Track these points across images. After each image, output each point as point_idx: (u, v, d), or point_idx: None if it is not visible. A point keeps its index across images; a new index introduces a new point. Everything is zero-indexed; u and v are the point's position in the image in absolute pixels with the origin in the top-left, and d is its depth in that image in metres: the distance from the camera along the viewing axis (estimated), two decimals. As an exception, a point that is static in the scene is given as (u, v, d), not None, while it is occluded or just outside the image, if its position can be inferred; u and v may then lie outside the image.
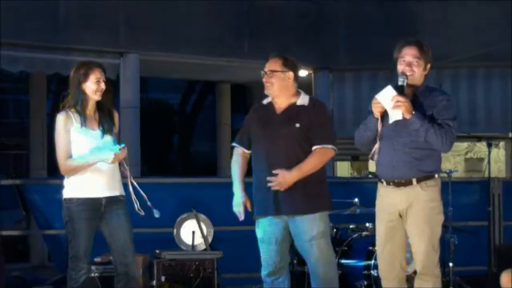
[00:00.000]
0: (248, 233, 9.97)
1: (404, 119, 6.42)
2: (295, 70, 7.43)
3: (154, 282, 9.21)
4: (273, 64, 7.38)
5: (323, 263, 7.31)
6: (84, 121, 6.97)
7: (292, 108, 7.34)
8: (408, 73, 6.51)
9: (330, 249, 7.46)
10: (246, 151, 7.54)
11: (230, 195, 10.42)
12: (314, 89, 15.76)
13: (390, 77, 6.72)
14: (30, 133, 19.91)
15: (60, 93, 7.86)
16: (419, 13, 17.25)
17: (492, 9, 17.42)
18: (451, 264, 9.02)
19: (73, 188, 7.00)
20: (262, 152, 7.36)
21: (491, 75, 17.61)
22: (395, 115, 6.47)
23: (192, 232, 9.57)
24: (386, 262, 6.74)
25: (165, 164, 31.55)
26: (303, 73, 17.04)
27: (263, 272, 7.44)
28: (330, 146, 7.19)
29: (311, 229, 7.22)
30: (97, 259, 8.98)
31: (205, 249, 9.52)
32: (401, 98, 6.35)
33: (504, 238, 10.72)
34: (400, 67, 6.57)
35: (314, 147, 7.19)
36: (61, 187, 7.68)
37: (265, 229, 7.36)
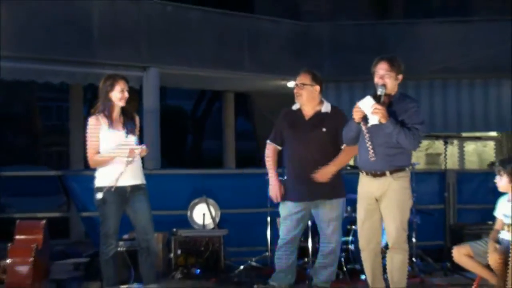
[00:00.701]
0: (248, 215, 10.07)
1: (380, 123, 6.46)
2: (321, 84, 7.53)
3: (172, 255, 9.22)
4: (303, 78, 7.48)
5: (335, 240, 7.48)
6: (110, 123, 7.02)
7: (318, 115, 7.45)
8: (380, 83, 6.52)
9: (340, 229, 7.60)
10: (278, 147, 7.68)
11: (234, 183, 10.54)
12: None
13: (364, 87, 6.76)
14: (70, 133, 19.93)
15: (94, 100, 7.92)
16: (389, 35, 17.28)
17: (448, 31, 17.49)
18: (414, 240, 9.04)
19: (104, 177, 7.04)
20: (294, 151, 7.50)
21: (447, 85, 17.69)
22: (373, 120, 6.49)
23: (202, 214, 9.58)
24: (365, 237, 6.79)
25: (181, 158, 31.47)
26: (291, 84, 17.09)
27: (281, 242, 7.54)
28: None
29: (330, 213, 7.40)
30: (125, 236, 8.99)
31: (213, 228, 9.54)
32: (378, 106, 6.38)
33: (457, 219, 10.75)
34: (375, 79, 6.59)
35: (343, 146, 7.26)
36: (94, 177, 7.76)
37: (290, 210, 7.45)
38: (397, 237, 6.60)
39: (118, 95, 7.05)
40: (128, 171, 7.05)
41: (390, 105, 6.59)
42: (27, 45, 13.74)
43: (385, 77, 6.55)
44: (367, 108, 6.43)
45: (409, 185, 6.69)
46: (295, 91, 7.52)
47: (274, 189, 7.54)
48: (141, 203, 7.15)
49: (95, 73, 14.71)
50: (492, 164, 17.61)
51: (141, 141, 7.36)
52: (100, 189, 7.07)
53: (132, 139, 7.12)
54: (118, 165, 7.01)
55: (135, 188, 7.12)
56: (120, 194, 7.04)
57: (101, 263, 7.20)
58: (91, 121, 7.06)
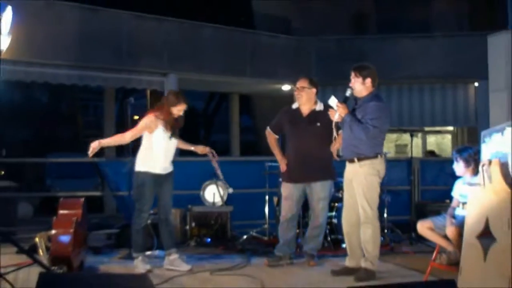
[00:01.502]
0: (250, 195, 10.04)
1: (341, 117, 6.67)
2: (317, 87, 7.54)
3: (187, 227, 9.21)
4: (302, 83, 7.48)
5: (322, 216, 7.50)
6: (164, 125, 7.07)
7: (314, 113, 7.47)
8: (350, 86, 6.71)
9: (327, 207, 7.63)
10: (276, 136, 7.74)
11: (239, 168, 10.51)
12: (294, 99, 15.77)
13: (345, 89, 6.77)
14: (104, 127, 19.92)
15: (124, 100, 7.89)
16: (365, 47, 17.26)
17: (413, 44, 17.50)
18: (385, 215, 9.02)
19: (145, 164, 7.06)
20: (294, 143, 7.53)
21: (412, 89, 17.73)
22: (337, 115, 6.69)
23: (213, 193, 9.56)
24: (346, 209, 6.89)
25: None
26: (286, 87, 17.10)
27: (282, 219, 7.56)
28: None
29: (320, 192, 7.42)
30: (150, 211, 8.97)
31: (221, 205, 9.51)
32: (338, 104, 6.63)
33: (421, 198, 10.74)
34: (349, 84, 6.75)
35: (340, 131, 7.20)
36: (128, 163, 7.76)
37: (290, 190, 7.49)
38: (366, 213, 6.66)
39: (177, 112, 7.20)
40: (165, 161, 7.14)
41: (357, 104, 6.77)
42: (70, 55, 13.74)
43: (353, 81, 6.73)
44: (334, 105, 6.70)
45: (375, 170, 6.67)
46: (295, 93, 7.54)
47: (282, 163, 7.62)
48: (168, 185, 7.22)
49: (125, 78, 14.79)
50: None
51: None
52: (140, 173, 7.08)
53: (174, 141, 7.23)
54: (156, 156, 7.07)
55: (167, 175, 7.19)
56: (157, 179, 7.08)
57: (133, 232, 7.20)
58: (151, 118, 7.09)
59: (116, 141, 7.28)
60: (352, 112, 6.70)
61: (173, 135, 7.18)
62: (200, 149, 7.58)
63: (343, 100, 6.66)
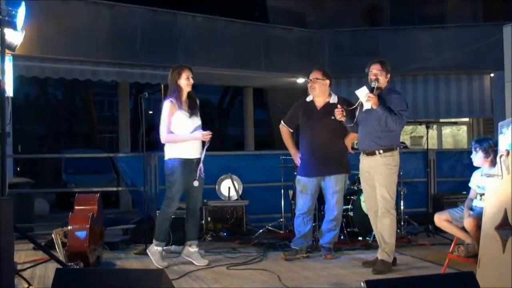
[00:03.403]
0: (265, 188, 10.01)
1: (372, 108, 6.59)
2: (330, 79, 7.48)
3: (203, 221, 9.19)
4: (316, 74, 7.41)
5: (337, 209, 7.45)
6: (180, 105, 6.95)
7: (328, 105, 7.39)
8: (373, 79, 6.68)
9: (342, 200, 7.59)
10: (290, 129, 7.66)
11: (253, 162, 10.49)
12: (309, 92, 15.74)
13: (358, 82, 6.77)
14: (119, 122, 19.98)
15: (138, 94, 7.85)
16: (379, 39, 17.24)
17: (427, 36, 17.43)
18: (402, 207, 8.97)
19: (176, 151, 6.95)
20: (308, 136, 7.46)
21: (427, 80, 17.71)
22: (367, 106, 6.65)
23: (228, 187, 9.55)
24: (369, 200, 6.91)
25: (210, 142, 31.49)
26: (300, 80, 17.06)
27: (298, 212, 7.50)
28: None
29: (335, 186, 7.36)
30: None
31: (237, 199, 9.50)
32: (371, 95, 6.55)
33: (437, 189, 10.67)
34: (370, 77, 6.74)
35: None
36: (144, 158, 7.72)
37: (305, 184, 7.43)
38: (385, 203, 6.70)
39: (184, 82, 7.01)
40: (194, 146, 7.02)
41: (380, 96, 6.72)
42: (85, 51, 13.79)
43: (377, 75, 6.73)
44: (362, 96, 6.62)
45: (395, 162, 6.70)
46: (309, 85, 7.46)
47: (295, 158, 7.60)
48: (200, 177, 7.07)
49: (139, 73, 14.79)
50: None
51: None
52: (169, 161, 6.98)
53: (195, 119, 7.08)
54: (189, 142, 6.98)
55: (198, 161, 7.03)
56: (187, 165, 6.96)
57: (159, 220, 7.10)
58: (166, 104, 6.96)
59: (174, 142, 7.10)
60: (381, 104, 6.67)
61: (192, 114, 7.05)
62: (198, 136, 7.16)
63: (370, 91, 6.63)
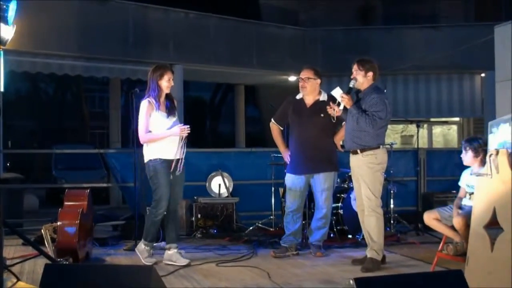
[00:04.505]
0: (255, 186, 10.04)
1: (345, 109, 6.75)
2: (321, 78, 7.51)
3: (193, 218, 9.21)
4: (307, 73, 7.43)
5: (326, 206, 7.47)
6: (158, 106, 6.91)
7: (318, 103, 7.43)
8: (352, 78, 6.76)
9: (331, 197, 7.61)
10: (281, 127, 7.70)
11: (244, 160, 10.52)
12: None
13: (350, 80, 6.78)
14: (110, 118, 19.97)
15: (129, 90, 7.84)
16: (371, 38, 17.27)
17: (419, 35, 17.47)
18: (392, 205, 9.01)
19: (156, 152, 6.88)
20: (297, 134, 7.48)
21: (418, 79, 17.75)
22: (341, 105, 6.77)
23: (218, 184, 9.56)
24: (357, 197, 6.94)
25: (200, 139, 31.57)
26: (292, 78, 17.07)
27: (288, 210, 7.54)
28: None
29: (324, 183, 7.39)
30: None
31: (227, 196, 9.52)
32: (343, 95, 6.66)
33: (427, 188, 10.72)
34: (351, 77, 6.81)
35: (343, 123, 7.26)
36: (135, 154, 7.70)
37: (294, 181, 7.46)
38: (369, 202, 6.72)
39: (166, 84, 6.98)
40: (172, 143, 6.93)
41: (359, 96, 6.81)
42: (76, 46, 13.74)
43: (354, 74, 6.79)
44: (338, 97, 6.73)
45: (377, 160, 6.70)
46: (300, 84, 7.46)
47: (285, 155, 7.62)
48: (180, 175, 7.02)
49: (131, 69, 14.78)
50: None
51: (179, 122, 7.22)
52: (150, 162, 6.92)
53: (172, 120, 7.01)
54: (166, 142, 6.90)
55: (177, 161, 6.96)
56: (168, 165, 6.90)
57: (148, 222, 7.01)
58: (144, 104, 6.91)
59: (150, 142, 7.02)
60: (355, 104, 6.71)
61: (170, 114, 6.99)
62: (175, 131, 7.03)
63: (347, 91, 6.71)
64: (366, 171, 6.69)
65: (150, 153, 6.95)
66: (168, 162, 6.91)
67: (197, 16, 16.00)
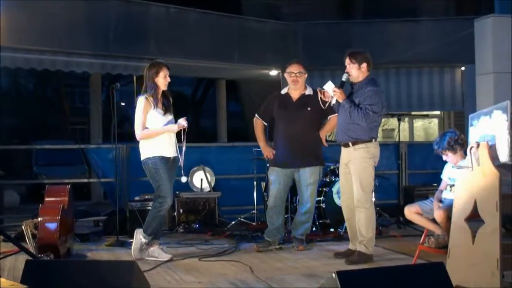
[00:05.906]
0: (238, 180, 10.05)
1: (338, 102, 6.70)
2: (307, 72, 7.53)
3: (175, 213, 9.20)
4: (299, 68, 7.45)
5: (310, 201, 7.49)
6: (156, 104, 6.90)
7: (304, 97, 7.46)
8: (346, 71, 6.69)
9: (316, 192, 7.64)
10: (265, 123, 7.72)
11: (226, 154, 10.51)
12: (282, 84, 15.73)
13: (332, 74, 6.80)
14: (90, 114, 19.89)
15: (110, 86, 7.80)
16: (352, 32, 17.30)
17: (400, 29, 17.52)
18: (373, 199, 9.01)
19: (155, 149, 6.86)
20: (283, 128, 7.49)
21: (399, 73, 17.81)
22: (334, 100, 6.74)
23: (200, 179, 9.55)
24: (344, 194, 6.96)
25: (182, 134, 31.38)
26: (273, 72, 17.08)
27: (270, 204, 7.53)
28: (335, 115, 7.18)
29: (309, 178, 7.40)
30: (136, 198, 8.95)
31: (209, 191, 9.51)
32: (336, 89, 6.62)
33: (408, 182, 10.76)
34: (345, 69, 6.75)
35: (329, 117, 7.38)
36: (115, 149, 7.66)
37: (278, 174, 7.46)
38: (359, 196, 6.69)
39: (162, 81, 6.97)
40: (170, 141, 6.95)
41: (353, 89, 6.80)
42: (56, 41, 13.66)
43: (348, 67, 6.74)
44: (330, 91, 6.68)
45: (369, 154, 6.70)
46: (292, 78, 7.44)
47: (265, 151, 7.62)
48: (172, 174, 7.01)
49: (112, 64, 14.71)
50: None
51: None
52: (150, 159, 6.89)
53: (168, 118, 7.01)
54: (163, 139, 6.91)
55: (173, 159, 6.99)
56: (167, 162, 6.89)
57: (150, 216, 6.92)
58: (141, 100, 6.89)
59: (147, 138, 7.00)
60: (349, 97, 6.69)
61: (166, 111, 7.00)
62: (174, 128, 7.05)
63: (339, 85, 6.67)
64: (358, 164, 6.68)
65: (147, 150, 6.94)
66: (167, 160, 6.91)
67: (178, 11, 15.96)
